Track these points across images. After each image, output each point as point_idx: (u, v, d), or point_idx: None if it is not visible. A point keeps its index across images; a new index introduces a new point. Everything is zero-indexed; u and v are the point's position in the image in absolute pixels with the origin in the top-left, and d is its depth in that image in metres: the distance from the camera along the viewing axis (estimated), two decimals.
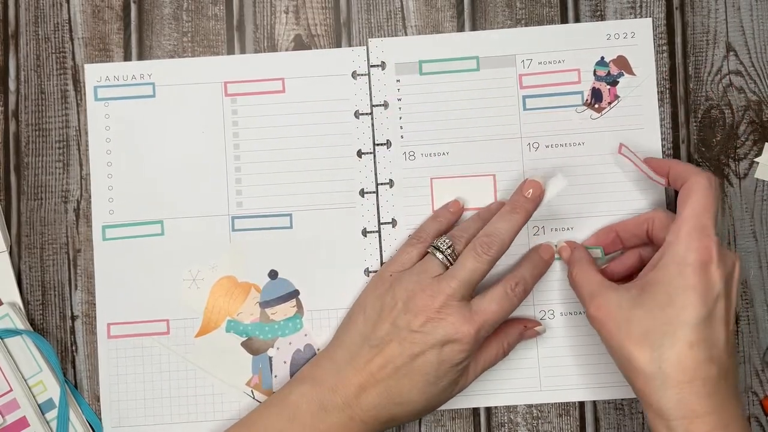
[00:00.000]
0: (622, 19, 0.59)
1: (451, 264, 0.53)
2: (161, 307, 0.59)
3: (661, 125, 0.59)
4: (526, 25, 0.60)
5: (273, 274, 0.59)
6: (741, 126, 0.59)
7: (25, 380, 0.57)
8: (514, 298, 0.53)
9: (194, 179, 0.59)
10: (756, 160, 0.59)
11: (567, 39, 0.59)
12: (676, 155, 0.59)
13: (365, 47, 0.60)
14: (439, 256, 0.53)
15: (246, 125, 0.59)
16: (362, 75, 0.60)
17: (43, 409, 0.57)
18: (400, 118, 0.59)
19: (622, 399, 0.58)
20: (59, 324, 0.59)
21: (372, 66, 0.60)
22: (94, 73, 0.60)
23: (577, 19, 0.60)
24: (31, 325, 0.58)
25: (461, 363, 0.52)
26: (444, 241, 0.54)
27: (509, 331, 0.56)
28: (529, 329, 0.57)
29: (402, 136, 0.59)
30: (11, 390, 0.56)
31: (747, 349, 0.59)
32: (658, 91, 0.59)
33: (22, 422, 0.56)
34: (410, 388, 0.52)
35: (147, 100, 0.60)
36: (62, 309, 0.59)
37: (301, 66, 0.60)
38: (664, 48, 0.59)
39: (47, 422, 0.57)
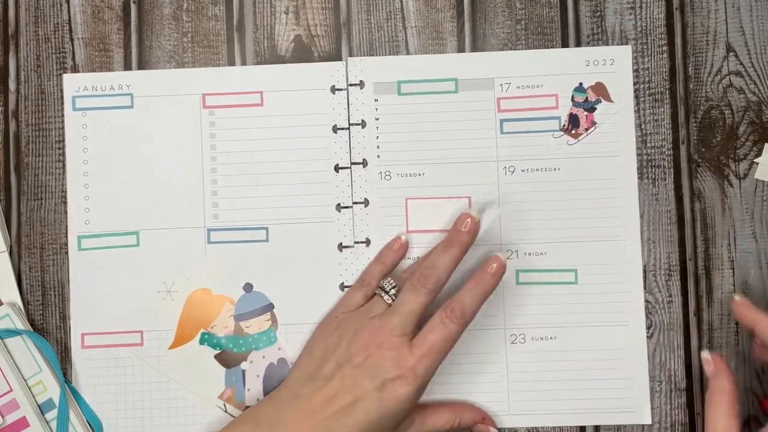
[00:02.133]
0: (622, 19, 0.59)
1: None
2: (135, 318, 0.58)
3: (661, 126, 0.59)
4: (526, 26, 0.60)
5: (248, 287, 0.59)
6: (741, 126, 0.59)
7: (25, 380, 0.57)
8: (450, 324, 0.52)
9: (171, 191, 0.59)
10: (756, 160, 0.59)
11: (546, 64, 0.59)
12: (676, 155, 0.59)
13: (344, 62, 0.60)
14: (385, 296, 0.54)
15: (224, 138, 0.59)
16: (341, 90, 0.59)
17: (43, 409, 0.57)
18: (377, 137, 0.59)
19: (589, 425, 0.58)
20: (59, 324, 0.59)
21: (351, 85, 0.59)
22: (72, 83, 0.60)
23: (576, 20, 0.60)
24: (31, 325, 0.58)
25: (404, 401, 0.51)
26: (389, 281, 0.55)
27: (467, 411, 0.56)
28: (485, 423, 0.57)
29: (378, 156, 0.59)
30: (11, 390, 0.56)
31: (747, 349, 0.58)
32: (658, 92, 0.59)
33: (22, 422, 0.56)
34: (352, 428, 0.51)
35: (125, 111, 0.59)
36: (62, 309, 0.59)
37: (279, 80, 0.59)
38: (664, 48, 0.59)
39: (47, 422, 0.57)
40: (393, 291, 0.54)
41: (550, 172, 0.59)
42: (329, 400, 0.51)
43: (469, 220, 0.54)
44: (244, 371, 0.58)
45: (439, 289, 0.53)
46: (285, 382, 0.55)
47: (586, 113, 0.59)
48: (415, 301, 0.52)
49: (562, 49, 0.60)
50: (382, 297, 0.55)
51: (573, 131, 0.59)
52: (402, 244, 0.58)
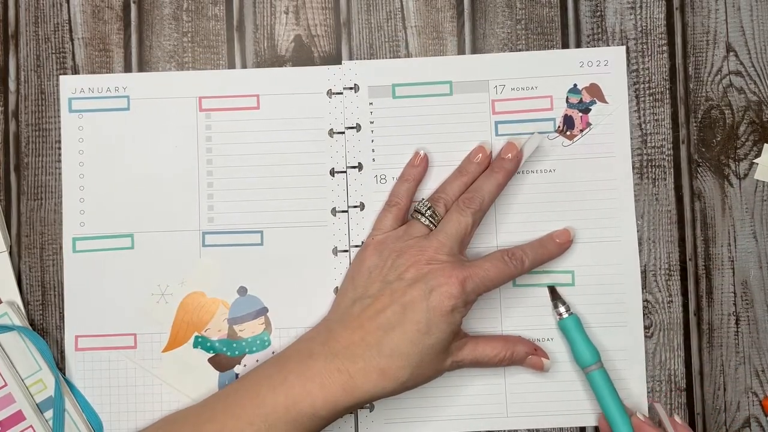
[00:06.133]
0: (622, 19, 0.59)
1: (434, 225, 0.55)
2: (129, 321, 0.58)
3: (661, 125, 0.59)
4: (526, 26, 0.60)
5: (242, 291, 0.59)
6: (741, 126, 0.59)
7: (23, 379, 0.57)
8: (509, 264, 0.54)
9: (166, 193, 0.59)
10: (756, 161, 0.59)
11: (540, 66, 0.59)
12: (676, 155, 0.59)
13: (340, 66, 0.59)
14: (422, 219, 0.55)
15: (220, 141, 0.59)
16: (337, 94, 0.59)
17: (43, 407, 0.57)
18: (372, 140, 0.59)
19: (588, 426, 0.58)
20: (59, 324, 0.59)
21: (345, 88, 0.59)
22: (68, 85, 0.60)
23: (577, 20, 0.60)
24: (31, 325, 0.58)
25: (451, 314, 0.51)
26: (423, 203, 0.55)
27: (520, 344, 0.56)
28: (538, 354, 0.57)
29: (374, 159, 0.59)
30: (6, 385, 0.56)
31: (747, 349, 0.58)
32: (658, 92, 0.59)
33: (18, 416, 0.56)
34: (401, 338, 0.51)
35: (121, 113, 0.59)
36: (62, 309, 0.59)
37: (276, 83, 0.59)
38: (665, 48, 0.59)
39: (46, 420, 0.57)
40: (429, 212, 0.55)
41: (545, 173, 0.59)
42: (378, 313, 0.52)
43: (512, 149, 0.56)
44: (237, 375, 0.58)
45: (484, 213, 0.55)
46: (332, 308, 0.56)
47: (581, 114, 0.59)
48: (461, 221, 0.54)
49: (557, 50, 0.60)
50: (419, 220, 0.55)
51: (568, 132, 0.59)
52: (422, 158, 0.58)
